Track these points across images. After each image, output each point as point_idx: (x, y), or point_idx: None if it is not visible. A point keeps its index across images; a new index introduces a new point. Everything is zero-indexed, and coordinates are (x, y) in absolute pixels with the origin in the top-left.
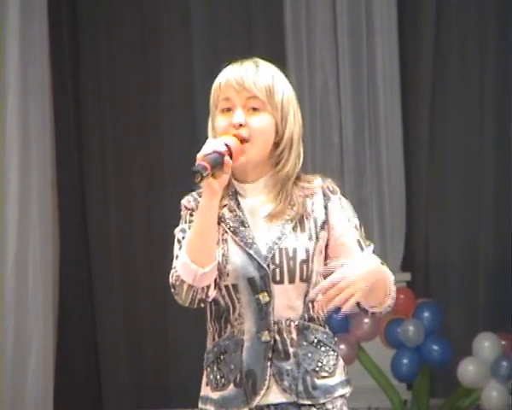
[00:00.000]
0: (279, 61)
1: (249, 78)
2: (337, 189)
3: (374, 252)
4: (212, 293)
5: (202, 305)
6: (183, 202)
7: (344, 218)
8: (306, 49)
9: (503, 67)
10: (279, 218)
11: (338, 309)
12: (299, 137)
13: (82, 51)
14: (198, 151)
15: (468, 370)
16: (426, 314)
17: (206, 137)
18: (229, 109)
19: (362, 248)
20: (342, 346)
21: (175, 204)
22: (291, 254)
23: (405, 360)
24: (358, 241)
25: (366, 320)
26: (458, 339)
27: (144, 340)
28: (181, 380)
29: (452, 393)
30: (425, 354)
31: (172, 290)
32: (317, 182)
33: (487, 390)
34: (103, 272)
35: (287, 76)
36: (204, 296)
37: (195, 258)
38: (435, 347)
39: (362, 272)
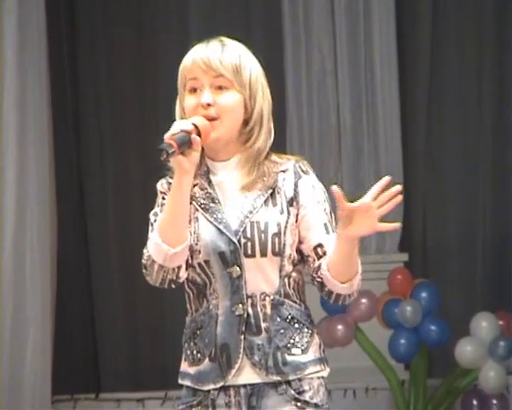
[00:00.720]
0: (276, 42)
1: (215, 57)
2: (311, 170)
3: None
4: (184, 274)
5: (173, 286)
6: (157, 185)
7: (313, 199)
8: (304, 30)
9: (501, 47)
10: (250, 190)
11: (332, 296)
12: (269, 113)
13: (80, 43)
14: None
15: (465, 350)
16: (423, 295)
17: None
18: (196, 89)
19: (328, 232)
20: (340, 327)
21: None
22: (262, 228)
23: (403, 341)
24: (325, 224)
25: (363, 301)
26: (456, 319)
27: (141, 323)
28: (177, 362)
29: (450, 373)
30: (422, 334)
31: (144, 271)
32: (290, 161)
33: (485, 370)
34: (101, 257)
35: (257, 56)
36: (175, 277)
37: (166, 238)
38: (433, 327)
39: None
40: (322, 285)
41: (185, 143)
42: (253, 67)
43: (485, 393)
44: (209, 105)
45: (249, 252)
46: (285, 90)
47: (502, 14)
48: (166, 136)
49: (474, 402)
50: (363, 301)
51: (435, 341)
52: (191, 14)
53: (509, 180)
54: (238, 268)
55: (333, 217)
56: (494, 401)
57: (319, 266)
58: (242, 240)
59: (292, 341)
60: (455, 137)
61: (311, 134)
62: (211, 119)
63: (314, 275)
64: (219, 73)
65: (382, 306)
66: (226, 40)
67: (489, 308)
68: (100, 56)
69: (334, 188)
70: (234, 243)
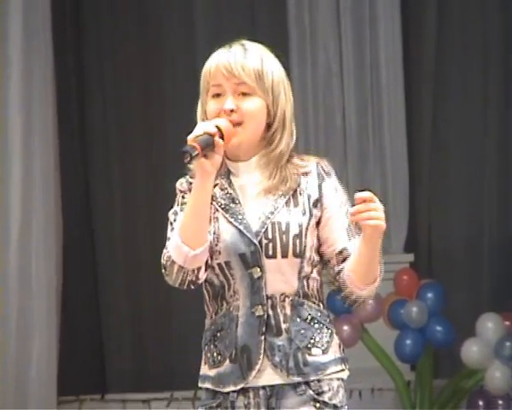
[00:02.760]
0: (282, 43)
1: (238, 63)
2: (332, 172)
3: None
4: (203, 275)
5: (192, 287)
6: (177, 184)
7: (336, 202)
8: (309, 31)
9: (507, 48)
10: (272, 193)
11: (349, 299)
12: (291, 115)
13: (85, 48)
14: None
15: (471, 351)
16: (429, 295)
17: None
18: (219, 95)
19: (349, 237)
20: (346, 327)
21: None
22: (284, 229)
23: (409, 341)
24: (347, 229)
25: (369, 302)
26: (462, 320)
27: (147, 324)
28: (183, 363)
29: (456, 374)
30: (428, 334)
31: (163, 271)
32: (312, 162)
33: (491, 371)
34: (107, 260)
35: (279, 56)
36: (194, 278)
37: (187, 239)
38: (438, 328)
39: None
40: (340, 288)
41: (208, 146)
42: (274, 71)
43: (491, 393)
44: (232, 111)
45: (270, 253)
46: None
47: (507, 17)
48: (190, 137)
49: (480, 403)
50: (370, 301)
51: (441, 341)
52: (197, 18)
53: None
54: (259, 269)
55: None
56: (500, 402)
57: (340, 270)
58: (264, 241)
59: (312, 341)
60: (460, 140)
61: (317, 136)
62: (234, 124)
63: (334, 278)
64: (242, 80)
65: (388, 306)
66: (248, 44)
67: (495, 309)
68: (106, 60)
69: (361, 195)
70: (255, 244)
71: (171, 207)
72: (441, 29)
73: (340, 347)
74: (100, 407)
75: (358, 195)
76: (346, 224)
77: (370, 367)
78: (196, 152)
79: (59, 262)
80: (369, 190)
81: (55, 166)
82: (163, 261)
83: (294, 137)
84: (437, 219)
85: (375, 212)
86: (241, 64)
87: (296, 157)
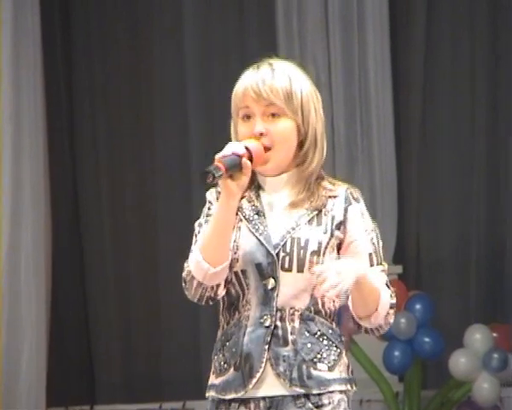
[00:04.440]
0: (271, 55)
1: (266, 85)
2: (361, 199)
3: (384, 272)
4: (222, 292)
5: (210, 303)
6: (207, 194)
7: (361, 227)
8: (298, 42)
9: (494, 58)
10: (297, 208)
11: (361, 328)
12: (323, 132)
13: (74, 45)
14: (190, 148)
15: (459, 362)
16: (417, 306)
17: (198, 134)
18: (249, 116)
19: (372, 264)
20: None
21: (166, 197)
22: (302, 244)
23: (397, 353)
24: (370, 254)
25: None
26: (450, 331)
27: (136, 335)
28: (171, 375)
29: (444, 385)
30: (416, 346)
31: (183, 285)
32: (342, 187)
33: (478, 382)
34: (95, 264)
35: (308, 73)
36: (213, 295)
37: (208, 256)
38: (427, 339)
39: (350, 270)
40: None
41: (235, 166)
42: (303, 90)
43: (478, 405)
44: (262, 135)
45: (286, 266)
46: None
47: (494, 25)
48: (217, 156)
49: None
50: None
51: (429, 353)
52: (186, 30)
53: (502, 195)
54: (273, 280)
55: (380, 245)
56: None
57: None
58: (281, 254)
59: (319, 356)
60: (449, 151)
61: None
62: (265, 148)
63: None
64: (271, 102)
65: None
66: (275, 64)
67: (483, 320)
68: (95, 67)
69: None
70: (272, 255)
71: (160, 213)
72: (429, 39)
73: (348, 368)
74: None
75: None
76: (369, 249)
77: (359, 379)
78: (220, 173)
79: (48, 274)
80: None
81: (45, 173)
82: (183, 275)
83: (324, 153)
84: (425, 231)
85: (327, 284)
86: (270, 85)
87: (327, 180)
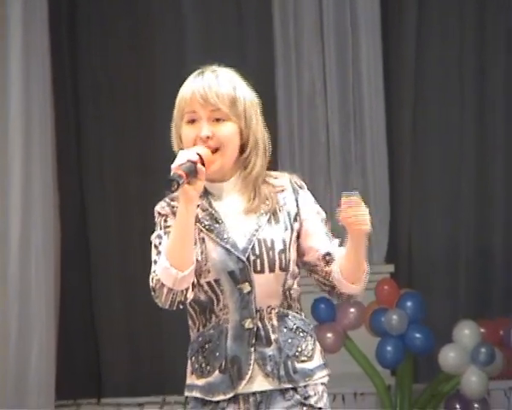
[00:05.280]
0: (268, 63)
1: (212, 91)
2: (304, 184)
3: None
4: (191, 295)
5: (181, 307)
6: (157, 208)
7: (312, 211)
8: (294, 52)
9: (482, 64)
10: (253, 213)
11: (342, 297)
12: (263, 136)
13: (80, 54)
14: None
15: (448, 356)
16: (409, 304)
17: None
18: (193, 121)
19: (330, 241)
20: (329, 334)
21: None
22: (269, 245)
23: (389, 348)
24: (326, 234)
25: (352, 310)
26: (439, 327)
27: (140, 331)
28: (174, 369)
29: (434, 378)
30: (408, 341)
31: (153, 294)
32: (284, 178)
33: (467, 376)
34: (102, 263)
35: (247, 79)
36: (183, 299)
37: (175, 262)
38: (418, 335)
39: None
40: (332, 288)
41: (191, 173)
42: (246, 96)
43: (467, 397)
44: (208, 138)
45: (258, 268)
46: (276, 109)
47: (481, 33)
48: (174, 166)
49: (457, 406)
50: (352, 310)
51: (420, 348)
52: (187, 37)
53: (489, 197)
54: (248, 284)
55: (327, 223)
56: (476, 405)
57: (330, 272)
58: (251, 257)
59: (299, 349)
60: (438, 156)
61: (302, 151)
62: (211, 150)
63: (325, 280)
64: (217, 107)
65: (370, 315)
66: (219, 71)
67: (471, 317)
68: (100, 72)
69: (347, 195)
70: (243, 261)
71: (153, 231)
72: (420, 47)
73: (321, 353)
74: None
75: (346, 198)
76: (324, 230)
77: (353, 372)
78: (182, 180)
79: (57, 273)
80: (356, 190)
81: (53, 174)
82: (152, 284)
83: (268, 156)
84: (416, 231)
85: (362, 216)
86: (216, 91)
87: (268, 175)
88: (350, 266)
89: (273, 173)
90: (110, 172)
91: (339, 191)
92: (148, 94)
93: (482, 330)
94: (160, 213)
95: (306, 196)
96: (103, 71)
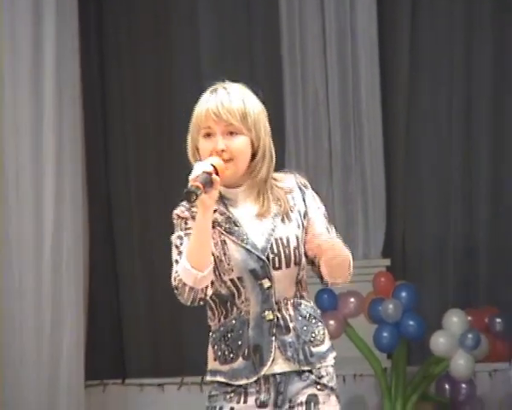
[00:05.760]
0: (276, 77)
1: (224, 108)
2: (307, 182)
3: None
4: (210, 292)
5: (201, 303)
6: (177, 212)
7: (315, 207)
8: (300, 66)
9: (468, 65)
10: (267, 215)
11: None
12: (270, 144)
13: (107, 62)
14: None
15: (439, 341)
16: (403, 294)
17: None
18: (209, 134)
19: (329, 233)
20: (331, 322)
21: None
22: (285, 243)
23: (385, 334)
24: (327, 228)
25: (352, 299)
26: (430, 315)
27: (161, 318)
28: (192, 353)
29: (425, 361)
30: (402, 328)
31: (175, 292)
32: (290, 179)
33: (455, 359)
34: (126, 260)
35: (256, 92)
36: (203, 296)
37: (195, 263)
38: (411, 322)
39: (338, 244)
40: (322, 278)
41: (207, 183)
42: (255, 109)
43: (455, 378)
44: (223, 151)
45: (277, 265)
46: (284, 119)
47: (470, 45)
48: (192, 178)
49: (446, 386)
50: (352, 300)
51: (413, 334)
52: (202, 50)
53: (474, 198)
54: (268, 280)
55: (327, 216)
56: (463, 386)
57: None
58: (270, 256)
59: (313, 335)
60: (430, 160)
61: (307, 156)
62: (225, 161)
63: (318, 272)
64: (229, 123)
65: (368, 304)
66: (230, 87)
67: (459, 306)
68: (126, 91)
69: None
70: (263, 260)
71: (173, 233)
72: (413, 63)
73: (328, 336)
74: (121, 390)
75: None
76: (325, 224)
77: (353, 356)
78: (200, 191)
79: (86, 268)
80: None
81: (83, 184)
82: (174, 284)
83: (274, 160)
84: (410, 230)
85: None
86: (228, 108)
87: (274, 179)
88: (328, 271)
89: (279, 176)
90: (134, 180)
91: (339, 191)
92: (168, 118)
93: (469, 317)
94: (179, 217)
95: (311, 194)
96: (129, 83)
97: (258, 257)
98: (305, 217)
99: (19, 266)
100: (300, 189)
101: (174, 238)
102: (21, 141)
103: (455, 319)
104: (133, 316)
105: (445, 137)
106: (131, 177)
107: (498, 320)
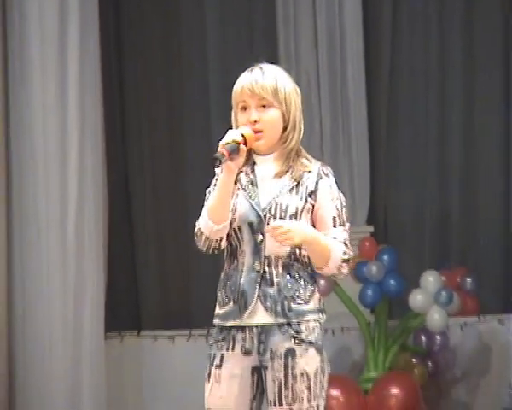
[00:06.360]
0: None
1: (258, 84)
2: (331, 174)
3: (345, 231)
4: (224, 243)
5: (216, 252)
6: (216, 170)
7: (328, 195)
8: (295, 59)
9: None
10: (280, 177)
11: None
12: (300, 118)
13: (126, 68)
14: (216, 142)
15: (416, 298)
16: (385, 257)
17: (221, 134)
18: (246, 108)
19: (335, 225)
20: (322, 281)
21: (194, 186)
22: (284, 208)
23: (369, 292)
24: (334, 218)
25: (344, 272)
26: (409, 275)
27: (172, 278)
28: (199, 308)
29: (405, 316)
30: (384, 287)
31: (195, 238)
32: (316, 164)
33: (431, 314)
34: (141, 228)
35: (289, 73)
36: (217, 246)
37: (213, 217)
38: (392, 281)
39: (301, 230)
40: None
41: (234, 151)
42: (286, 86)
43: (431, 331)
44: (256, 122)
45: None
46: None
47: (443, 51)
48: (220, 143)
49: (423, 338)
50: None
51: (394, 292)
52: (209, 55)
53: (447, 173)
54: (261, 235)
55: (343, 211)
56: (438, 337)
57: None
58: (267, 215)
59: (297, 293)
60: (409, 141)
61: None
62: (258, 131)
63: None
64: (262, 97)
65: (354, 265)
66: (265, 67)
67: (434, 267)
68: (141, 87)
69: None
70: (260, 216)
71: (189, 196)
72: (394, 60)
73: (320, 300)
74: (136, 341)
75: (268, 228)
76: (333, 214)
77: (341, 312)
78: (225, 158)
79: (105, 236)
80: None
81: (103, 169)
82: (195, 230)
83: (302, 133)
84: (391, 200)
85: (282, 236)
86: (261, 84)
87: (305, 157)
88: (310, 256)
89: (309, 157)
90: (148, 170)
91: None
92: (179, 107)
93: (443, 277)
94: (217, 174)
95: (327, 183)
96: (144, 88)
97: (257, 213)
98: (310, 196)
99: (47, 237)
100: (319, 174)
101: (207, 192)
102: (48, 129)
103: (430, 279)
104: (147, 276)
105: (422, 122)
106: (145, 161)
107: (468, 280)
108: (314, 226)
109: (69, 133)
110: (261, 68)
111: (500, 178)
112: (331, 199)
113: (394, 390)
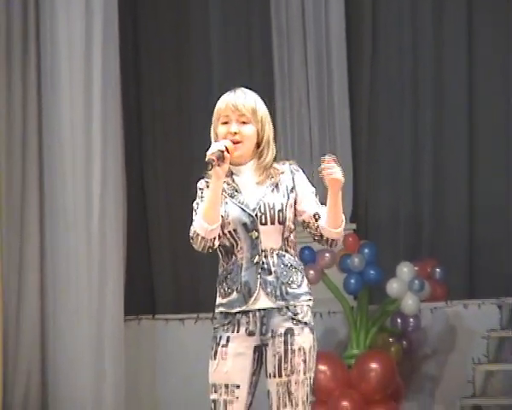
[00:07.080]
0: (269, 87)
1: (240, 102)
2: (299, 168)
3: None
4: (217, 243)
5: (210, 250)
6: (198, 184)
7: (305, 186)
8: (288, 79)
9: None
10: (261, 184)
11: (328, 242)
12: (272, 139)
13: (144, 78)
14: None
15: (393, 286)
16: (366, 250)
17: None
18: (226, 122)
19: (319, 206)
20: (311, 271)
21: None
22: (271, 206)
23: (352, 281)
24: (316, 201)
25: (327, 254)
26: (387, 266)
27: (183, 268)
28: (206, 294)
29: (383, 301)
30: (365, 276)
31: (191, 241)
32: (286, 165)
33: (405, 300)
34: (155, 224)
35: (264, 101)
36: (211, 245)
37: (207, 219)
38: (372, 272)
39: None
40: (321, 237)
41: (220, 158)
42: (262, 109)
43: (405, 314)
44: (235, 133)
45: (263, 221)
46: (275, 117)
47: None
48: (208, 153)
49: (399, 320)
50: (327, 255)
51: (373, 280)
52: (214, 68)
53: (420, 176)
54: (256, 232)
55: (317, 196)
56: (411, 320)
57: (319, 225)
58: (259, 214)
59: (291, 279)
60: (386, 151)
61: (293, 145)
62: (236, 142)
63: (315, 232)
64: (243, 113)
65: (339, 258)
66: (245, 90)
67: (408, 259)
68: (157, 97)
69: (325, 157)
70: (252, 216)
71: (194, 200)
72: (373, 72)
73: (307, 284)
74: (151, 323)
75: (324, 157)
76: (314, 199)
77: (327, 298)
78: (215, 162)
79: (124, 231)
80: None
81: (122, 170)
82: (191, 234)
83: (275, 152)
84: (371, 201)
85: (335, 169)
86: (243, 103)
87: (275, 163)
88: (331, 215)
89: (278, 163)
90: (161, 170)
91: (318, 174)
92: (188, 111)
93: (416, 268)
94: (199, 188)
95: (300, 176)
96: (158, 97)
97: (249, 214)
98: (292, 191)
99: (75, 227)
100: (291, 171)
101: (194, 204)
102: (75, 131)
103: (405, 269)
104: (161, 265)
105: (398, 131)
106: (158, 161)
107: (438, 270)
108: (299, 215)
109: (93, 143)
110: (243, 91)
111: (465, 182)
112: (307, 188)
113: (374, 365)
